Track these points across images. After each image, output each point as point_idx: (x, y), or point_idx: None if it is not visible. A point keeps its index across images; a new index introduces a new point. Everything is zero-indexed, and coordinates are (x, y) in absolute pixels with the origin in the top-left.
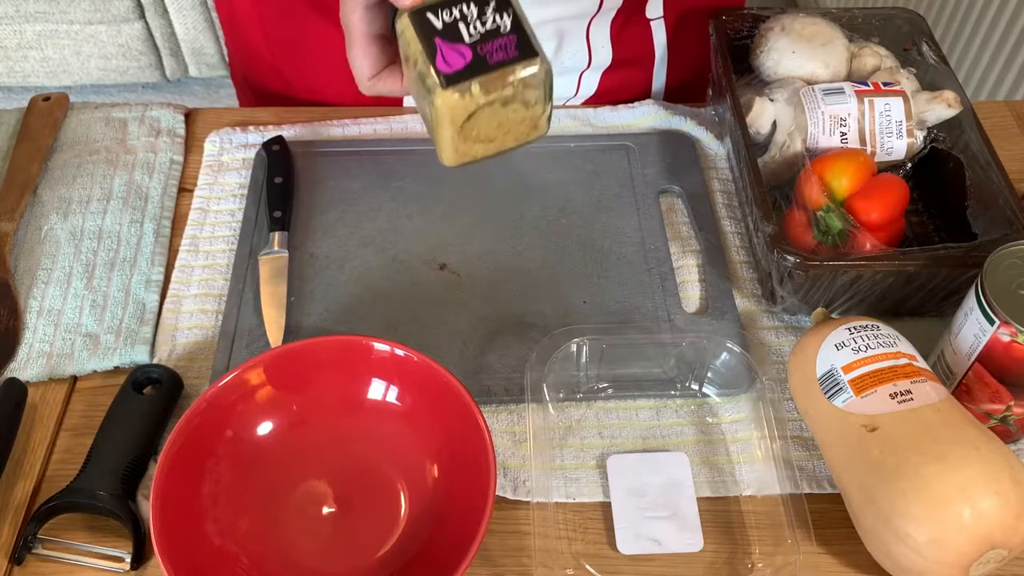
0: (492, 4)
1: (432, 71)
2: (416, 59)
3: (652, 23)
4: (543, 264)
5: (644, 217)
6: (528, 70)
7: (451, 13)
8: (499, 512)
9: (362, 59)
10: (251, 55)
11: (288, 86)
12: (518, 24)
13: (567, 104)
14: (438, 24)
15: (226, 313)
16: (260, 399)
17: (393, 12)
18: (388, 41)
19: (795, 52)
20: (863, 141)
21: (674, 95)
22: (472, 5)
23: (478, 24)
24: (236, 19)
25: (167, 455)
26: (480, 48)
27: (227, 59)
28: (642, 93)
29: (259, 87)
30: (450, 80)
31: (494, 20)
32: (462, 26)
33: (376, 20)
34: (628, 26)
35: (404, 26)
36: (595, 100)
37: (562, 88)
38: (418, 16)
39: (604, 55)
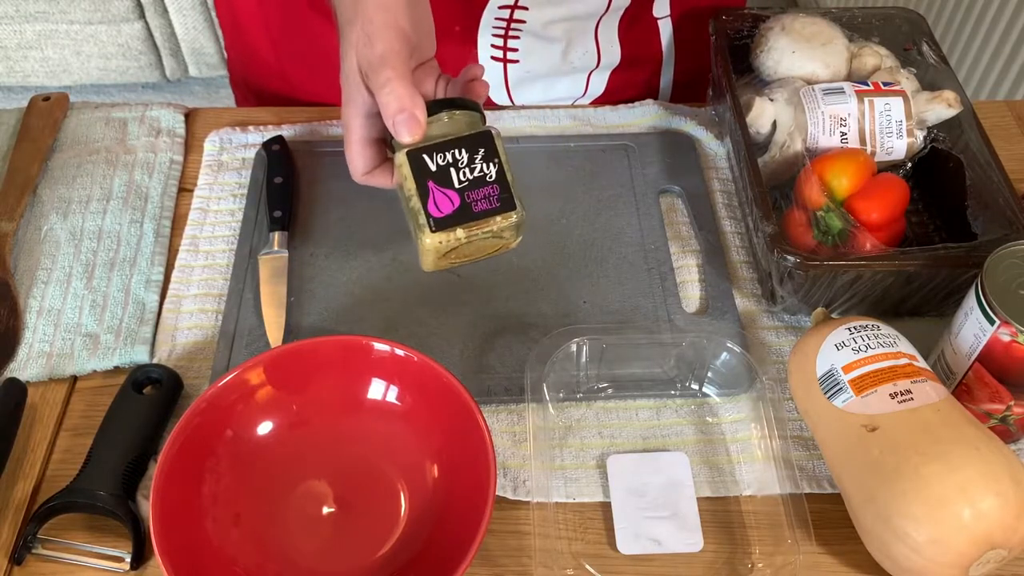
0: (481, 153)
1: (423, 213)
2: (410, 195)
3: (659, 22)
4: (543, 264)
5: (644, 217)
6: (506, 221)
7: (444, 157)
8: (499, 512)
9: (358, 159)
10: (254, 59)
11: (292, 88)
12: (502, 174)
13: (575, 104)
14: (432, 167)
15: (226, 313)
16: (260, 399)
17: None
18: (383, 143)
19: (795, 52)
20: (863, 141)
21: (680, 93)
22: (463, 151)
23: (467, 171)
24: (239, 23)
25: (167, 455)
26: (467, 195)
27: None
28: (650, 92)
29: (261, 90)
30: (438, 224)
31: (481, 168)
32: (453, 171)
33: (375, 127)
34: (636, 25)
35: (401, 162)
36: (603, 99)
37: (571, 88)
38: (415, 156)
39: (613, 54)
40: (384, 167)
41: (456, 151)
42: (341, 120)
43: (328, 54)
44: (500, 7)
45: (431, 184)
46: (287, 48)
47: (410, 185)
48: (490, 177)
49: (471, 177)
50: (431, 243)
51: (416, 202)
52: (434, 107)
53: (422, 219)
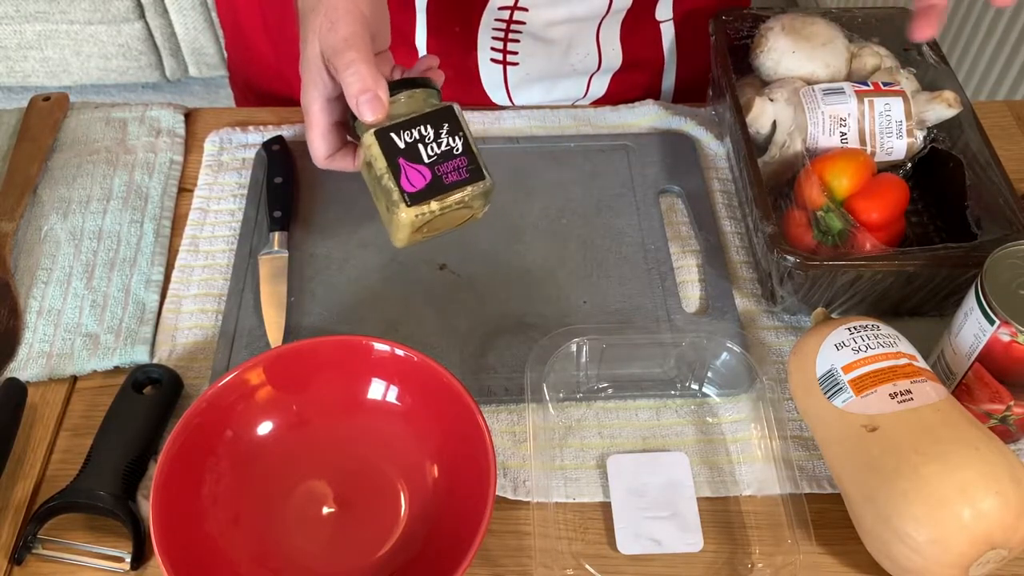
0: (446, 128)
1: (397, 189)
2: (381, 174)
3: (662, 25)
4: (543, 264)
5: (644, 217)
6: (477, 189)
7: (411, 134)
8: (499, 512)
9: (320, 143)
10: (254, 59)
11: (292, 89)
12: (468, 146)
13: (575, 104)
14: (401, 144)
15: (226, 313)
16: (260, 399)
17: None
18: (344, 126)
19: (795, 52)
20: (863, 141)
21: (682, 97)
22: (429, 127)
23: (434, 146)
24: (239, 23)
25: (167, 455)
26: (437, 168)
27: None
28: (651, 95)
29: (261, 90)
30: (413, 199)
31: (448, 142)
32: (421, 147)
33: (335, 111)
34: (638, 28)
35: (370, 142)
36: (604, 102)
37: (572, 91)
38: (383, 135)
39: (614, 57)
40: (345, 151)
41: (422, 127)
42: (301, 106)
43: None
44: (500, 8)
45: (402, 161)
46: (287, 48)
47: (381, 164)
48: (457, 150)
49: (439, 151)
50: (407, 218)
51: (388, 180)
52: (393, 87)
53: (396, 195)
